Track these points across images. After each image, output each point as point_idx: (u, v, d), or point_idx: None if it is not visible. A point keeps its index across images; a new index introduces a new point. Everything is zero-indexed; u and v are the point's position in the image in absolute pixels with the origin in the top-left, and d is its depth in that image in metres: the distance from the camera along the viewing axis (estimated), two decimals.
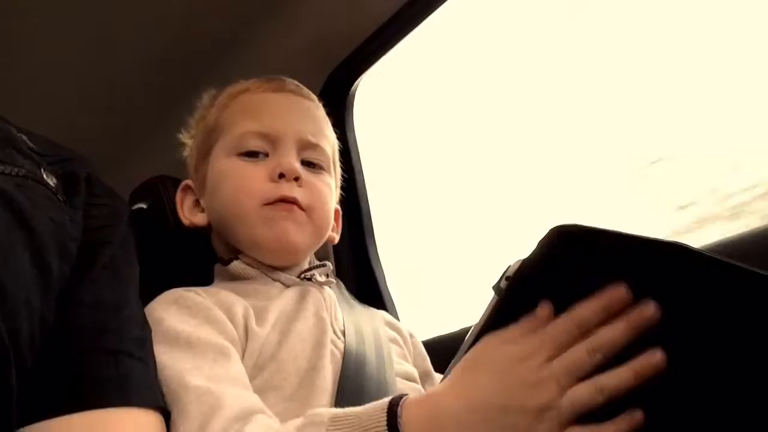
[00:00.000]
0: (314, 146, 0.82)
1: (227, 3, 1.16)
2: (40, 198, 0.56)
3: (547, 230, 0.48)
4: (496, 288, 0.52)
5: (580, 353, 0.47)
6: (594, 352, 0.47)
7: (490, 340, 0.51)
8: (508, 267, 0.51)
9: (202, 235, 0.87)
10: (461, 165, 1.40)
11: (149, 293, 0.71)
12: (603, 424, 0.47)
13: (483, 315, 0.53)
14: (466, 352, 0.53)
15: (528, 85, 1.28)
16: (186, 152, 0.91)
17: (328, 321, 0.76)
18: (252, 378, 0.67)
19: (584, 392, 0.47)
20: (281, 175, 0.77)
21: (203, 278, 0.83)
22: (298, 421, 0.56)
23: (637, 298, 0.47)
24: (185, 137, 0.91)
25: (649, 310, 0.47)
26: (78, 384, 0.53)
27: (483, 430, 0.48)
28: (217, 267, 0.83)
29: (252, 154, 0.79)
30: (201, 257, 0.86)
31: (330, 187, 0.83)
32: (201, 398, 0.59)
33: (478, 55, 1.35)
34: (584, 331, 0.48)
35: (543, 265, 0.49)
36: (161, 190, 0.93)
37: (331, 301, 0.81)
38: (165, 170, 0.96)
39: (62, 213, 0.58)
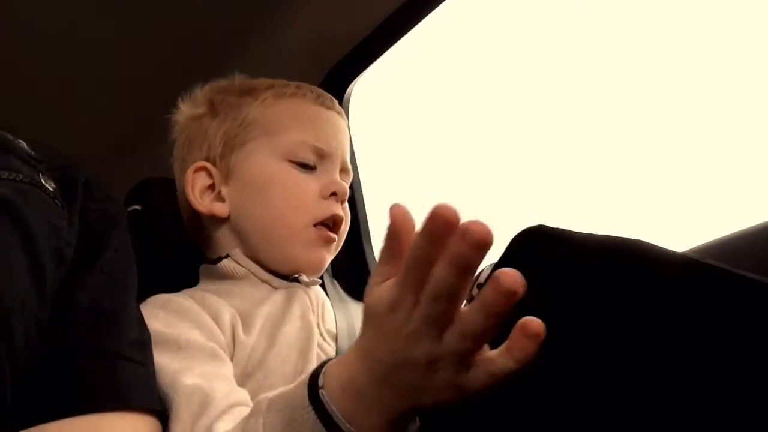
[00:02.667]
0: (348, 171, 0.86)
1: (224, 5, 1.17)
2: (38, 202, 0.57)
3: (516, 233, 0.48)
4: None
5: (428, 301, 0.41)
6: (435, 298, 0.41)
7: (373, 283, 0.46)
8: (479, 274, 0.51)
9: (187, 230, 0.86)
10: (459, 166, 1.40)
11: (144, 294, 0.72)
12: (495, 353, 0.42)
13: None
14: None
15: (527, 85, 1.28)
16: (183, 127, 0.87)
17: (314, 324, 0.77)
18: (240, 386, 0.67)
19: (453, 341, 0.42)
20: (333, 194, 0.79)
21: (197, 280, 0.84)
22: (250, 411, 0.54)
23: (610, 302, 0.45)
24: (186, 109, 0.87)
25: (470, 235, 0.38)
26: (73, 388, 0.54)
27: (392, 390, 0.45)
28: (203, 267, 0.83)
29: (304, 166, 0.80)
30: (196, 258, 0.87)
31: None
32: (191, 398, 0.60)
33: (477, 55, 1.35)
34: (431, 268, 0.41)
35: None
36: (156, 191, 0.93)
37: (318, 301, 0.81)
38: (160, 172, 0.97)
39: (60, 217, 0.59)
